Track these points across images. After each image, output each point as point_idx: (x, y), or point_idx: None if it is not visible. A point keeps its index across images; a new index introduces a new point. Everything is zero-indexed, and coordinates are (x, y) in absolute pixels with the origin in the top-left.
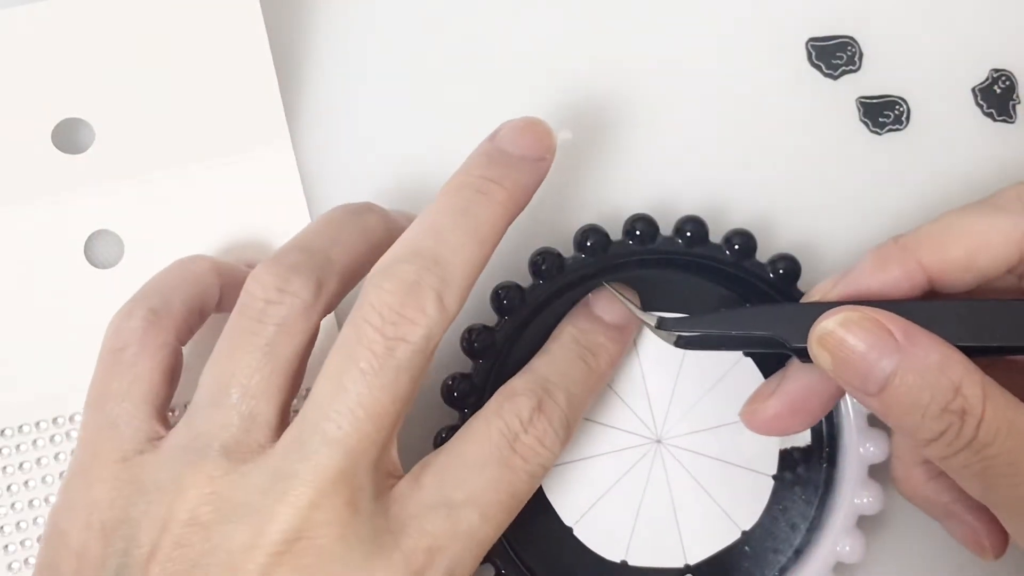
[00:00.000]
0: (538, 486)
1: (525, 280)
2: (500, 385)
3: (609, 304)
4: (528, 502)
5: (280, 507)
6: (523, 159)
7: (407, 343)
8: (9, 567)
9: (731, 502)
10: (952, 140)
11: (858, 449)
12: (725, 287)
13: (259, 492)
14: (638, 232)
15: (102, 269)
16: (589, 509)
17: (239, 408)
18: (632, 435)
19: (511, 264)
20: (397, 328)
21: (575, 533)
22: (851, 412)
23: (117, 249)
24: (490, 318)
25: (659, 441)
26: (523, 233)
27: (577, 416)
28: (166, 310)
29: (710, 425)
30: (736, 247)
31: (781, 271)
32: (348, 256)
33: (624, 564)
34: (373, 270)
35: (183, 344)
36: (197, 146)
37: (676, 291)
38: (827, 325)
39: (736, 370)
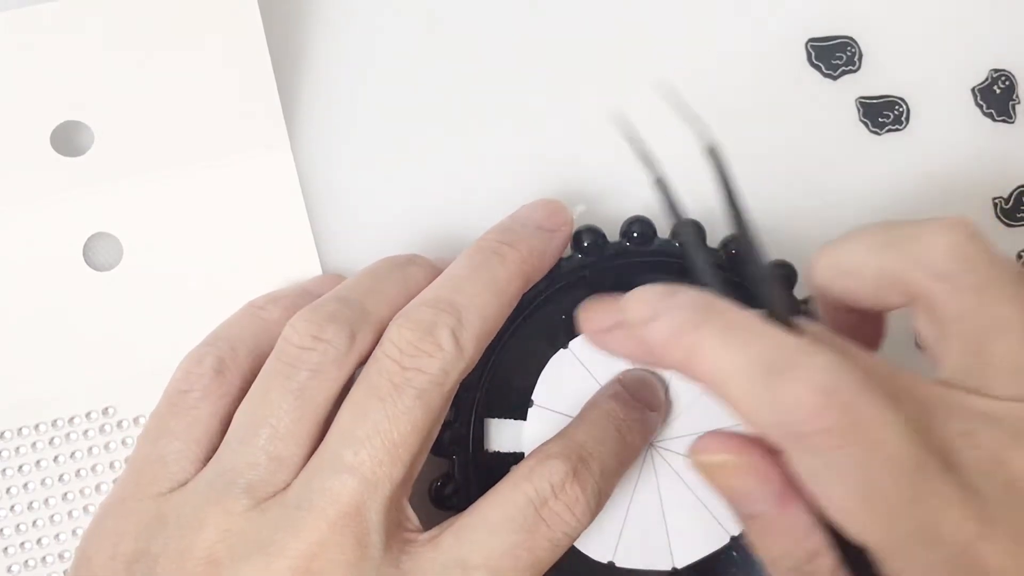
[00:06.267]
0: (559, 556)
1: None
2: (491, 399)
3: (643, 387)
4: None
5: (291, 542)
6: (538, 229)
7: (424, 373)
8: (9, 569)
9: (721, 507)
10: (952, 140)
11: None
12: (721, 292)
13: (274, 528)
14: (635, 234)
15: (101, 271)
16: None
17: (267, 448)
18: None
19: None
20: (415, 360)
21: None
22: None
23: (116, 251)
24: None
25: (651, 443)
26: None
27: (609, 489)
28: (233, 360)
29: (703, 429)
30: (734, 252)
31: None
32: (386, 307)
33: (611, 565)
34: (396, 316)
35: (247, 389)
36: (196, 149)
37: None
38: (708, 460)
39: None
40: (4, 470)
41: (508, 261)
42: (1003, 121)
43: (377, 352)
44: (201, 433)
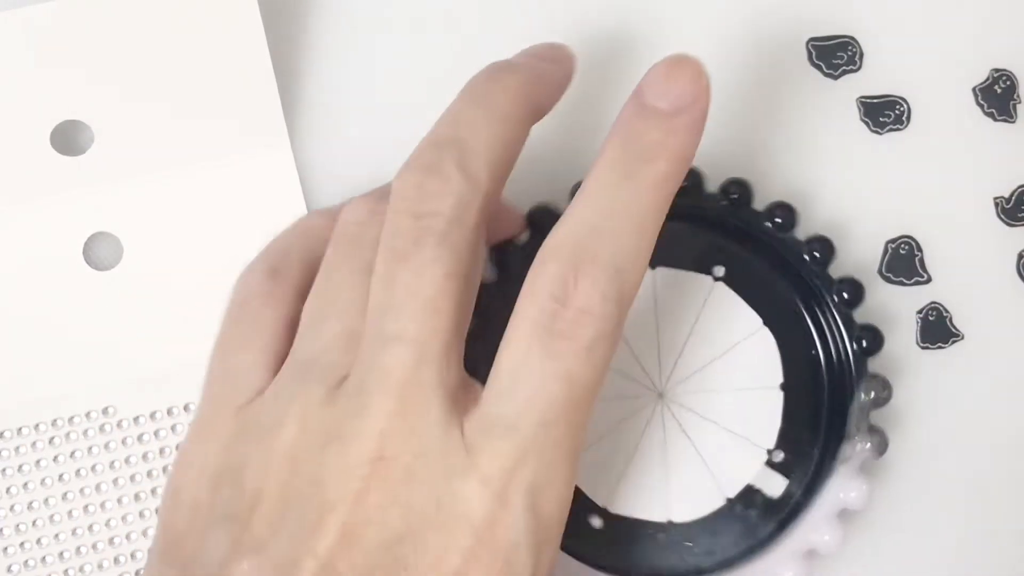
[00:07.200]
0: (607, 360)
1: None
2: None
3: (666, 83)
4: None
5: (361, 425)
6: (535, 58)
7: (438, 215)
8: (8, 569)
9: (677, 491)
10: (952, 140)
11: (810, 533)
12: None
13: (343, 415)
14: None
15: (101, 271)
16: None
17: (339, 328)
18: (634, 383)
19: None
20: (424, 204)
21: None
22: (828, 502)
23: (116, 251)
24: None
25: (661, 395)
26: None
27: (635, 268)
28: (285, 263)
29: (716, 388)
30: (778, 220)
31: (816, 253)
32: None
33: (605, 510)
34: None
35: (304, 299)
36: (196, 148)
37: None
38: None
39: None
40: (4, 470)
41: (507, 86)
42: (1004, 121)
43: (388, 211)
44: (269, 339)
